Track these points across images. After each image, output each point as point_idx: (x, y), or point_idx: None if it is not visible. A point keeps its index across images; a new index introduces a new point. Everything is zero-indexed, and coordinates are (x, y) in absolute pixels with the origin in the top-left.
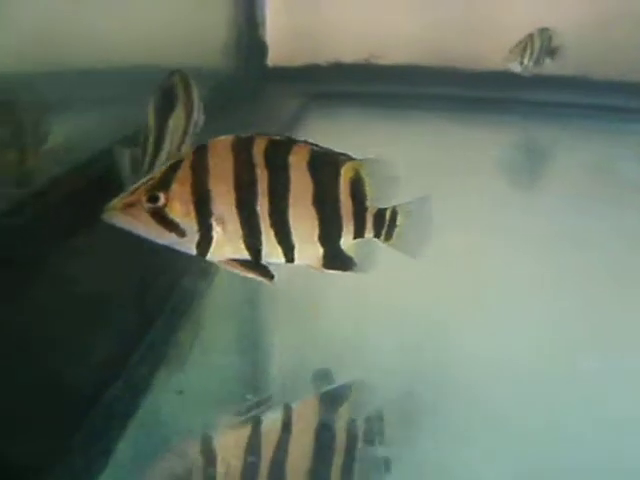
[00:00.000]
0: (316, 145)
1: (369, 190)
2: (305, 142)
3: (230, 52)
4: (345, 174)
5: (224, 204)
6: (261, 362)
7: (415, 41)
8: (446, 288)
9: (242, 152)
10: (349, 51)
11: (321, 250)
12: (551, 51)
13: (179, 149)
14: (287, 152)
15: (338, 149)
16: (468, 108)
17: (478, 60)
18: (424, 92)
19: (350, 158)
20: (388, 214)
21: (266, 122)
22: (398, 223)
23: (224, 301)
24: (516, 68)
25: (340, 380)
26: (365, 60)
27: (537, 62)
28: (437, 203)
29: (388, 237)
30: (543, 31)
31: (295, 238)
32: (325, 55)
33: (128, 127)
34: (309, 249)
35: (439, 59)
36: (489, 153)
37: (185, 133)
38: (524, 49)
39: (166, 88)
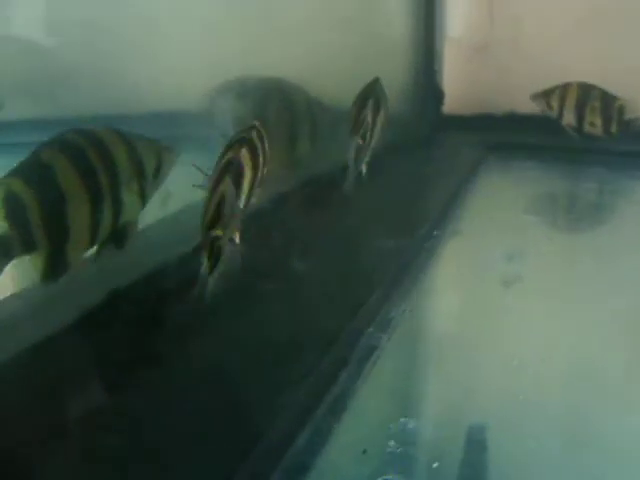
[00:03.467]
0: None
1: None
2: None
3: (407, 97)
4: None
5: None
6: (421, 415)
7: None
8: (608, 346)
9: None
10: (525, 102)
11: None
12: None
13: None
14: None
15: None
16: None
17: None
18: (604, 148)
19: None
20: None
21: (439, 169)
22: None
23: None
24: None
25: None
26: (541, 111)
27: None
28: None
29: None
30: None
31: None
32: (500, 105)
33: None
34: None
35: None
36: None
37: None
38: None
39: (374, 95)
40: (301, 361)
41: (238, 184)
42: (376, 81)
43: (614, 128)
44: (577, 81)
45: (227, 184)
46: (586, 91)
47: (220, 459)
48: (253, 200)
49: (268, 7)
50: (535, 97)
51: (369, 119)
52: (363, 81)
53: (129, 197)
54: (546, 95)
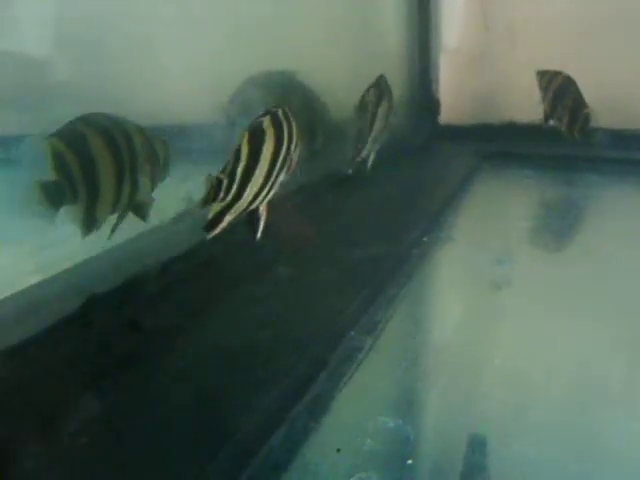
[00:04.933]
0: None
1: None
2: None
3: (403, 107)
4: None
5: None
6: (417, 423)
7: (592, 102)
8: (603, 348)
9: None
10: (520, 111)
11: None
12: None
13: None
14: None
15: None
16: None
17: None
18: (602, 155)
19: None
20: None
21: (433, 177)
22: None
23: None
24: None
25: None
26: (539, 121)
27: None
28: None
29: None
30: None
31: None
32: (496, 114)
33: None
34: None
35: (619, 120)
36: None
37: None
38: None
39: (377, 88)
40: (281, 362)
41: (257, 143)
42: (381, 77)
43: (576, 132)
44: (565, 74)
45: (243, 136)
46: (565, 85)
47: (192, 455)
48: (282, 178)
49: (267, 22)
50: (537, 73)
51: (371, 106)
52: (359, 92)
53: (143, 178)
54: (541, 75)
